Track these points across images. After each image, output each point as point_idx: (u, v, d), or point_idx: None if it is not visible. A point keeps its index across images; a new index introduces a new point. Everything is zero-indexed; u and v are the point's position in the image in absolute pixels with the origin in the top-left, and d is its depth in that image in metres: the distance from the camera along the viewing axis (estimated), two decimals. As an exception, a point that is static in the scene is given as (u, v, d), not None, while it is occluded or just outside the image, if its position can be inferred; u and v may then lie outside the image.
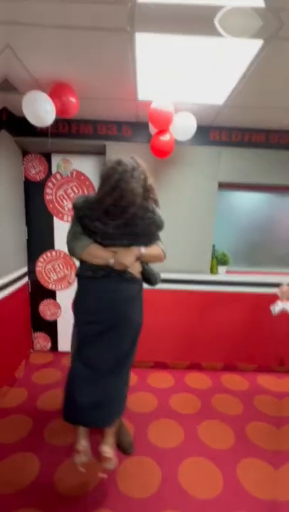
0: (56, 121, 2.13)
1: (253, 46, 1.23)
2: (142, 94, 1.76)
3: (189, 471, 1.57)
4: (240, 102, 1.80)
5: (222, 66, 1.41)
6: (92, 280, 1.31)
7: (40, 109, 1.51)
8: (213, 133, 2.27)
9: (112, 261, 1.26)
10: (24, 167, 2.46)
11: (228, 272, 2.53)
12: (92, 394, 1.29)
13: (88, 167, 2.49)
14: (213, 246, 2.49)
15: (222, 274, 2.49)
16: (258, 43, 1.20)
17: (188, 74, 1.51)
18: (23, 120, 1.83)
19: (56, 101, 1.58)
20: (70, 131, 2.18)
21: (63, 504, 1.37)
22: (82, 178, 2.51)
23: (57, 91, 1.59)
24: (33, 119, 1.55)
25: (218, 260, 2.48)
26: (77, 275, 1.38)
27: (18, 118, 2.08)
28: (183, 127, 1.87)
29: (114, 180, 1.20)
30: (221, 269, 2.49)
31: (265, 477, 1.54)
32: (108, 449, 1.34)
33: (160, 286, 2.39)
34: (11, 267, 2.20)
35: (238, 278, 2.48)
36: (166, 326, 2.47)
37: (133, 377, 2.29)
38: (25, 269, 2.52)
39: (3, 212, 2.09)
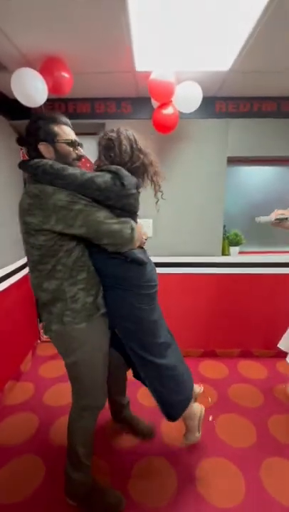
0: (51, 101, 2.03)
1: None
2: (140, 65, 1.62)
3: (207, 473, 1.46)
4: (248, 67, 1.63)
5: (227, 22, 1.25)
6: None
7: (31, 88, 1.40)
8: (219, 104, 2.10)
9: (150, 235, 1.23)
10: (21, 151, 2.37)
11: (240, 252, 2.43)
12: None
13: (88, 149, 2.38)
14: (224, 226, 2.38)
15: (234, 255, 2.39)
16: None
17: (188, 37, 1.36)
18: (17, 102, 1.72)
19: (48, 78, 1.46)
20: (66, 110, 2.06)
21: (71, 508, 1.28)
22: (83, 160, 2.40)
23: (48, 66, 1.47)
24: (23, 99, 1.44)
25: (230, 241, 2.37)
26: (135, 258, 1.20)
27: (11, 100, 1.97)
28: (187, 98, 1.72)
29: (130, 147, 1.21)
30: (233, 250, 2.38)
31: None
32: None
33: (168, 270, 2.35)
34: (12, 256, 2.16)
35: (251, 259, 2.37)
36: (177, 311, 2.42)
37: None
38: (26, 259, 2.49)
39: (2, 198, 2.04)
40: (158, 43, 1.41)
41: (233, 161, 2.30)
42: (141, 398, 1.96)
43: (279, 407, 1.90)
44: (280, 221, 1.60)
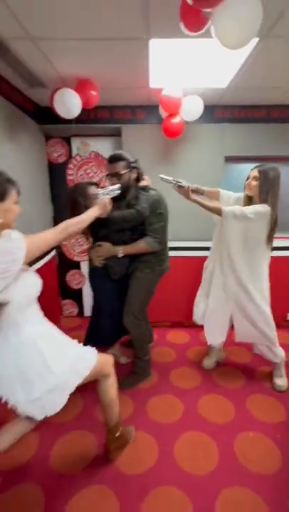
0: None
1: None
2: (154, 82, 1.98)
3: (208, 405, 1.88)
4: (241, 85, 2.00)
5: (224, 53, 1.62)
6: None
7: (70, 104, 1.77)
8: (218, 111, 2.47)
9: None
10: (47, 151, 2.73)
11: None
12: None
13: (105, 148, 2.75)
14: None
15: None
16: (254, 40, 1.42)
17: (194, 65, 1.72)
18: (47, 109, 2.09)
19: (81, 95, 1.83)
20: (89, 116, 2.42)
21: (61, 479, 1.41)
22: (100, 158, 2.78)
23: (82, 87, 1.84)
24: (63, 113, 1.82)
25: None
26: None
27: (42, 108, 2.34)
28: (191, 110, 2.10)
29: None
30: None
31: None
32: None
33: (175, 253, 2.73)
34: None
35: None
36: (182, 289, 2.81)
37: (154, 335, 2.64)
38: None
39: (30, 192, 2.40)
40: (169, 67, 1.78)
41: (231, 159, 2.67)
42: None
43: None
44: (176, 185, 1.82)
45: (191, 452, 1.55)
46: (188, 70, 1.81)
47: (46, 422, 1.72)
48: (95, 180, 2.81)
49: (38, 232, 1.10)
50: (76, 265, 3.10)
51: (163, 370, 2.25)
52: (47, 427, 1.70)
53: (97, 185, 1.77)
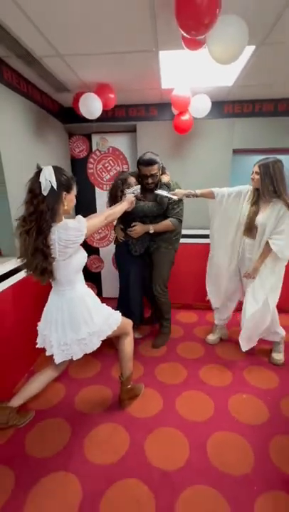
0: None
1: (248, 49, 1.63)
2: (165, 84, 2.19)
3: (208, 372, 2.16)
4: (246, 82, 2.16)
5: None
6: None
7: (92, 106, 2.03)
8: (226, 106, 2.63)
9: None
10: (70, 147, 3.02)
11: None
12: None
13: (122, 144, 3.00)
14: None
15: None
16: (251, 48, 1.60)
17: (201, 67, 1.91)
18: (70, 110, 2.36)
19: (101, 98, 2.08)
20: (107, 115, 2.67)
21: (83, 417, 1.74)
22: (117, 153, 3.03)
23: (101, 90, 2.09)
24: (87, 114, 2.08)
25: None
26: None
27: (66, 109, 2.61)
28: (199, 107, 2.29)
29: None
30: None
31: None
32: None
33: (184, 240, 2.96)
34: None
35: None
36: (191, 274, 3.04)
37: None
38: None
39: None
40: (178, 70, 1.97)
41: (238, 151, 2.83)
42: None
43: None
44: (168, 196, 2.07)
45: (190, 405, 1.84)
46: (196, 72, 1.99)
47: (72, 377, 2.12)
48: (112, 173, 3.08)
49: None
50: (96, 251, 3.41)
51: (171, 344, 2.55)
52: (72, 381, 2.06)
53: (135, 177, 2.14)
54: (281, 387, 2.00)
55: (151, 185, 2.12)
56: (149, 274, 2.43)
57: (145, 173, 2.06)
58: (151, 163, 2.02)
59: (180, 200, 2.20)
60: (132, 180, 2.09)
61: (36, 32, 1.44)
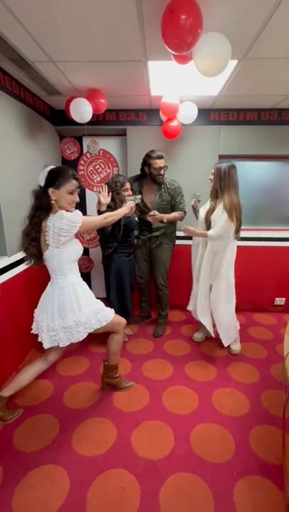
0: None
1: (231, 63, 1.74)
2: (154, 91, 2.28)
3: (194, 368, 2.31)
4: (230, 93, 2.28)
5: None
6: None
7: (83, 111, 2.09)
8: (213, 114, 2.75)
9: None
10: (61, 149, 3.07)
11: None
12: None
13: (112, 147, 3.07)
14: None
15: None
16: (234, 62, 1.71)
17: (188, 77, 2.01)
18: (62, 112, 2.41)
19: (92, 103, 2.15)
20: (98, 119, 2.74)
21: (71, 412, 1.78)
22: (108, 155, 3.10)
23: (92, 95, 2.16)
24: (77, 118, 2.14)
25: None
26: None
27: (57, 111, 2.67)
28: (187, 114, 2.39)
29: None
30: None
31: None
32: None
33: (179, 242, 3.04)
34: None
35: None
36: (183, 276, 3.14)
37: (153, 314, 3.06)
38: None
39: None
40: (167, 78, 2.07)
41: (224, 157, 2.95)
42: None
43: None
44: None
45: (175, 400, 1.91)
46: (183, 81, 2.09)
47: (60, 375, 2.16)
48: (102, 175, 3.15)
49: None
50: (85, 252, 3.45)
51: (159, 341, 2.62)
52: (61, 378, 2.10)
53: (130, 183, 2.31)
54: (262, 381, 2.10)
55: (161, 178, 2.40)
56: (150, 269, 2.75)
57: (160, 165, 2.34)
58: (163, 156, 2.36)
59: (182, 195, 2.55)
60: (129, 185, 2.24)
61: (29, 38, 1.49)
